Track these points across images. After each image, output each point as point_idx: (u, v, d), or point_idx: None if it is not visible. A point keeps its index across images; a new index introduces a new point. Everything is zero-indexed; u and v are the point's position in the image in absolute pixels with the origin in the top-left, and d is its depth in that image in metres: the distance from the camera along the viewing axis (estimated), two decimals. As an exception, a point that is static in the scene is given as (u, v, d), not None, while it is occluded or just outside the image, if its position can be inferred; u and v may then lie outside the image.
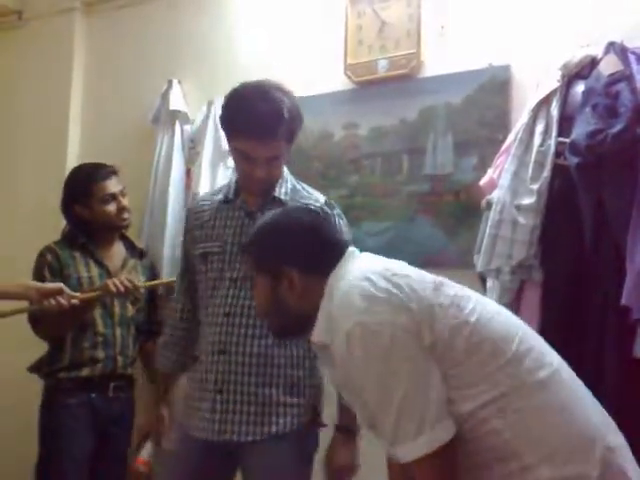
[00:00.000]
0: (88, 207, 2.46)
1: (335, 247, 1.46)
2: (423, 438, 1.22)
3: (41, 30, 3.29)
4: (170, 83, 2.92)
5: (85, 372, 2.40)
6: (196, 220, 1.94)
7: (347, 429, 1.81)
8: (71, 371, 2.41)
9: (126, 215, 2.50)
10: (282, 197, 1.87)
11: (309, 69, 2.68)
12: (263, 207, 1.84)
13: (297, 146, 2.57)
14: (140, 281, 2.49)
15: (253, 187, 1.88)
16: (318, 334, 1.39)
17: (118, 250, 2.57)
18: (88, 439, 2.40)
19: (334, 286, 1.36)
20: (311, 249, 1.44)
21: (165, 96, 2.92)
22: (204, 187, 2.74)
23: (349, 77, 2.56)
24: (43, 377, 2.47)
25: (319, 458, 1.86)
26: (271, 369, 1.79)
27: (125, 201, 2.50)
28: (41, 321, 2.36)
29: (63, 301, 2.13)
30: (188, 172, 2.88)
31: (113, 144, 3.05)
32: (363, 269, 1.35)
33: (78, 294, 2.23)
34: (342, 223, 1.90)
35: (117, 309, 2.47)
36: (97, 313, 2.42)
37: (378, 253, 2.37)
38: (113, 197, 2.47)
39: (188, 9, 3.02)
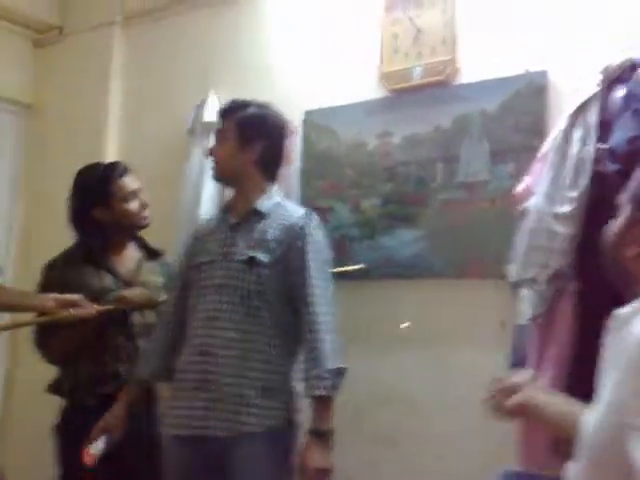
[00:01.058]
0: (109, 208, 2.33)
1: None
2: None
3: (81, 45, 3.35)
4: (206, 95, 2.94)
5: (108, 389, 2.23)
6: (196, 236, 2.16)
7: (320, 432, 1.85)
8: (93, 388, 2.25)
9: (147, 213, 2.39)
10: (262, 210, 2.02)
11: (344, 78, 2.67)
12: (245, 218, 2.03)
13: (330, 155, 2.59)
14: (158, 282, 2.38)
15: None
16: None
17: (131, 253, 2.43)
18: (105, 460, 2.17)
19: None
20: None
21: (200, 108, 2.94)
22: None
23: (384, 85, 2.54)
24: (63, 396, 2.31)
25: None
26: (249, 372, 1.90)
27: (144, 198, 2.39)
28: (54, 338, 2.25)
29: (82, 313, 2.11)
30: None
31: (150, 157, 3.07)
32: None
33: (95, 306, 2.18)
34: (318, 234, 2.00)
35: (136, 319, 2.32)
36: (116, 327, 2.28)
37: (412, 262, 2.39)
38: (134, 194, 2.36)
39: (225, 20, 3.04)
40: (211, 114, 2.91)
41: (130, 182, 2.39)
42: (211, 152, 2.12)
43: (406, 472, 2.33)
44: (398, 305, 2.42)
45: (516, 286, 2.03)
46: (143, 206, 2.39)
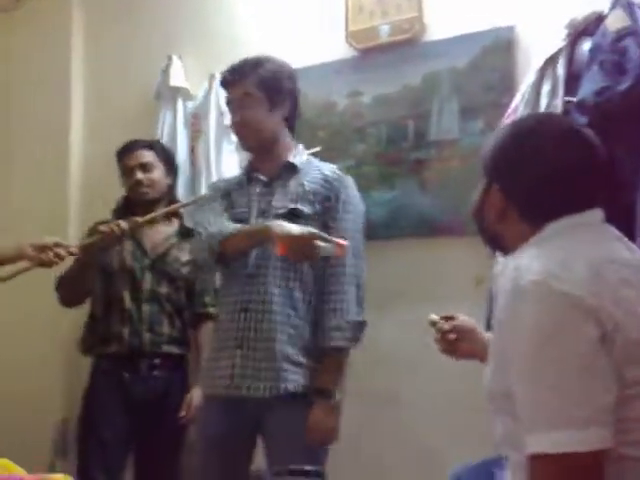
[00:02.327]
0: (123, 182, 2.57)
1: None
2: (560, 434, 0.97)
3: (38, 10, 3.24)
4: (170, 59, 2.89)
5: (113, 348, 2.41)
6: (222, 193, 2.03)
7: (328, 392, 1.84)
8: (102, 347, 2.44)
9: (143, 189, 2.49)
10: (296, 163, 1.96)
11: (310, 39, 2.64)
12: (279, 175, 1.96)
13: (301, 116, 2.57)
14: (182, 258, 2.46)
15: (238, 138, 2.06)
16: None
17: (162, 228, 2.53)
18: (119, 423, 2.40)
19: None
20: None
21: (166, 72, 2.89)
22: (208, 164, 2.73)
23: (351, 44, 2.53)
24: (84, 353, 2.52)
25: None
26: (289, 328, 1.86)
27: (142, 175, 2.49)
28: (61, 281, 2.45)
29: (61, 251, 2.17)
30: (192, 150, 2.86)
31: (116, 122, 3.02)
32: None
33: (75, 243, 2.31)
34: (352, 189, 1.98)
35: (147, 285, 2.44)
36: (125, 287, 2.43)
37: (386, 222, 2.41)
38: (130, 170, 2.50)
39: (187, -17, 2.98)
40: (177, 78, 2.87)
41: (127, 159, 2.53)
42: (237, 124, 1.98)
43: (401, 427, 2.38)
44: (374, 266, 2.43)
45: (490, 242, 2.06)
46: (136, 183, 2.49)
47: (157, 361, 2.43)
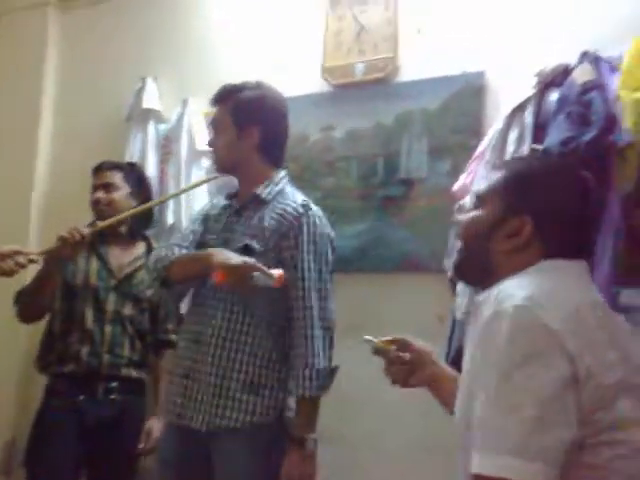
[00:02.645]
0: None
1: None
2: (507, 459, 0.97)
3: (14, 25, 3.24)
4: (144, 81, 2.90)
5: (69, 368, 2.36)
6: (204, 217, 2.05)
7: (302, 438, 1.80)
8: (58, 366, 2.38)
9: (101, 207, 2.48)
10: (263, 196, 1.93)
11: (286, 70, 2.66)
12: (246, 205, 1.95)
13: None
14: (146, 279, 2.38)
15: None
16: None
17: (129, 249, 2.52)
18: (70, 446, 2.33)
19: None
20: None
21: (139, 94, 2.89)
22: (177, 187, 2.72)
23: (326, 80, 2.57)
24: (39, 371, 2.46)
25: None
26: (234, 364, 1.83)
27: (103, 194, 2.49)
28: (20, 295, 2.42)
29: (21, 259, 2.11)
30: (162, 172, 2.85)
31: (86, 142, 3.02)
32: None
33: (35, 251, 2.25)
34: (315, 225, 1.90)
35: (110, 306, 2.41)
36: (88, 307, 2.39)
37: (352, 256, 2.43)
38: (95, 189, 2.52)
39: (164, 6, 3.01)
40: (150, 100, 2.88)
41: (96, 178, 2.55)
42: (210, 144, 2.03)
43: (348, 467, 2.36)
44: (338, 299, 2.45)
45: (453, 281, 2.10)
46: (95, 202, 2.50)
47: (114, 384, 2.38)
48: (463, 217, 1.31)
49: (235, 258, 1.80)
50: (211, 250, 1.87)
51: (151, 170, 2.82)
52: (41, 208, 3.05)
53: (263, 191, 1.93)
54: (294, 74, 2.65)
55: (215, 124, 2.01)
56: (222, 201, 2.05)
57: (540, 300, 1.05)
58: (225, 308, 1.86)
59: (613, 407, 1.02)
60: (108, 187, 2.51)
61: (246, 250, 1.85)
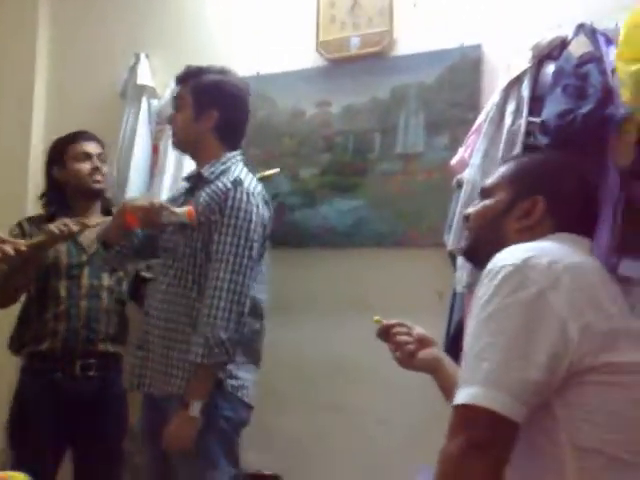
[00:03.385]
0: (63, 167, 2.45)
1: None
2: (476, 389, 1.03)
3: (5, 5, 3.18)
4: (137, 57, 2.87)
5: (45, 345, 2.32)
6: (170, 199, 2.20)
7: (185, 402, 1.87)
8: (34, 345, 2.34)
9: (99, 177, 2.44)
10: (206, 175, 2.02)
11: (280, 46, 2.65)
12: (195, 184, 2.07)
13: (269, 123, 2.59)
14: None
15: None
16: None
17: (97, 221, 2.42)
18: (50, 425, 2.31)
19: None
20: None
21: (133, 70, 2.87)
22: (170, 164, 2.71)
23: (321, 54, 2.55)
24: (14, 353, 2.42)
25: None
26: (174, 334, 1.95)
27: (100, 164, 2.45)
28: None
29: (7, 248, 2.06)
30: (155, 148, 2.84)
31: (80, 119, 2.97)
32: None
33: (22, 241, 2.18)
34: (243, 200, 1.94)
35: (85, 280, 2.38)
36: (62, 284, 2.35)
37: (349, 231, 2.44)
38: (87, 156, 2.45)
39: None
40: (144, 76, 2.86)
41: (87, 145, 2.46)
42: (169, 121, 2.14)
43: (353, 437, 2.40)
44: (339, 274, 2.47)
45: (452, 255, 2.11)
46: (95, 170, 2.43)
47: (92, 361, 2.36)
48: (472, 209, 1.35)
49: (142, 201, 1.98)
50: (124, 201, 2.06)
51: (144, 146, 2.81)
52: (37, 184, 3.02)
53: (207, 170, 2.02)
54: (288, 49, 2.64)
55: (176, 102, 2.10)
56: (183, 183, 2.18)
57: (539, 256, 1.09)
58: (169, 282, 1.98)
59: (614, 351, 1.06)
60: (101, 157, 2.48)
61: (183, 226, 1.96)
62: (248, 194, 1.95)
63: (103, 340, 2.39)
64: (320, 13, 2.56)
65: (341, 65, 2.53)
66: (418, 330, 1.49)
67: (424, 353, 1.46)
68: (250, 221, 1.93)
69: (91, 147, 2.47)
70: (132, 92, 2.87)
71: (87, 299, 2.37)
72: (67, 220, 2.25)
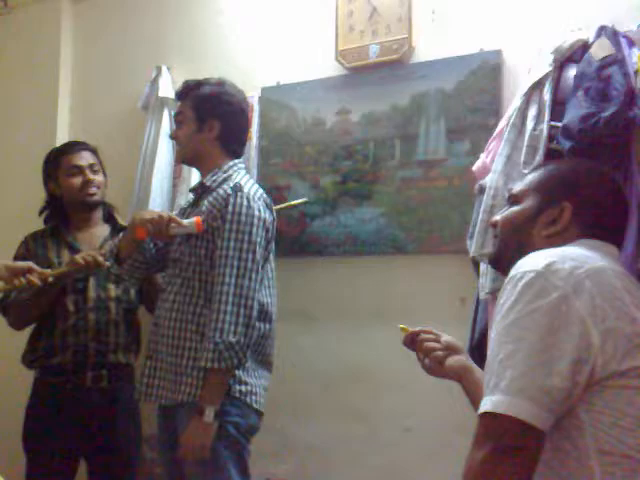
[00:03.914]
0: (56, 181, 2.46)
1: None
2: (502, 397, 1.02)
3: (27, 17, 3.24)
4: (159, 70, 2.90)
5: (56, 360, 2.32)
6: (181, 209, 2.23)
7: (200, 408, 1.87)
8: (45, 359, 2.35)
9: (92, 190, 2.42)
10: (208, 183, 2.06)
11: (300, 55, 2.67)
12: (200, 194, 2.10)
13: (289, 132, 2.60)
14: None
15: None
16: None
17: (99, 232, 2.48)
18: (63, 439, 2.31)
19: None
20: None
21: (155, 83, 2.90)
22: (192, 175, 2.73)
23: (341, 63, 2.55)
24: (27, 367, 2.42)
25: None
26: (184, 342, 1.96)
27: (93, 176, 2.43)
28: (12, 306, 2.35)
29: (34, 279, 2.10)
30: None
31: (103, 131, 3.02)
32: None
33: (49, 271, 2.20)
34: (244, 205, 1.94)
35: (92, 293, 2.37)
36: (69, 298, 2.35)
37: (370, 239, 2.43)
38: (79, 169, 2.43)
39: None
40: (166, 89, 2.88)
41: (78, 158, 2.45)
42: (172, 137, 2.19)
43: (375, 445, 2.38)
44: (360, 281, 2.46)
45: (475, 261, 2.09)
46: (86, 183, 2.42)
47: (103, 372, 2.36)
48: (499, 216, 1.35)
49: (151, 213, 2.02)
50: (133, 214, 2.11)
51: (165, 158, 2.83)
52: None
53: (209, 179, 2.06)
54: (308, 59, 2.65)
55: (178, 118, 2.14)
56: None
57: (561, 261, 1.08)
58: (176, 291, 2.00)
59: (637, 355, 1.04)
60: (93, 168, 2.46)
61: (190, 237, 1.99)
62: (248, 199, 1.96)
63: (114, 351, 2.39)
64: (339, 22, 2.56)
65: (360, 73, 2.53)
66: (445, 337, 1.46)
67: (452, 360, 1.42)
68: (252, 225, 1.95)
69: (82, 159, 2.44)
70: (154, 104, 2.90)
71: (94, 312, 2.36)
72: (93, 252, 2.27)
